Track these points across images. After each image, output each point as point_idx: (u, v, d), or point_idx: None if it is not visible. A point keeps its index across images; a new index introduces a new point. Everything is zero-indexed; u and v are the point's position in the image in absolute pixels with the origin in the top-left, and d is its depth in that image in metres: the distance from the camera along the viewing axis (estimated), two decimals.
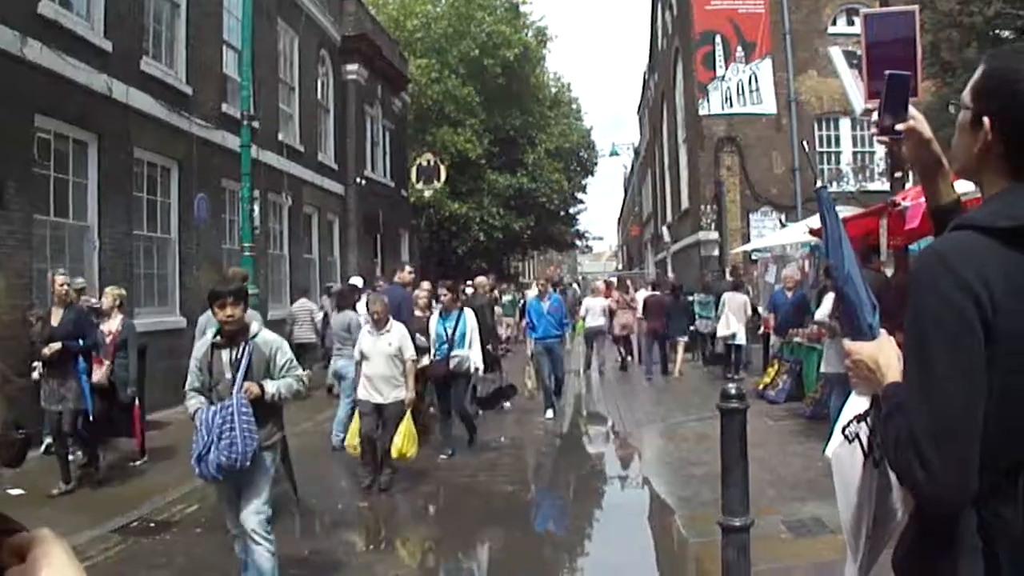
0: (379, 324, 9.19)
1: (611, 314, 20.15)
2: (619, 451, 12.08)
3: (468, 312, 11.06)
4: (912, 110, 2.08)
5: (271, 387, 5.64)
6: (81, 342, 8.88)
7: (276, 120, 20.13)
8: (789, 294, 14.45)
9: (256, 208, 14.40)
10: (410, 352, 9.23)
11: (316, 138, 23.32)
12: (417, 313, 11.90)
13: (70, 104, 12.09)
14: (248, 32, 14.24)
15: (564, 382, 14.53)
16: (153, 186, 14.63)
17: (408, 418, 9.06)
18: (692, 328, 19.49)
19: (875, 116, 2.11)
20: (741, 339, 17.09)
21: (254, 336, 5.76)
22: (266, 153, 18.46)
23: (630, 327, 20.60)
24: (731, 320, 16.93)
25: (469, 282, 18.76)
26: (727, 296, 17.31)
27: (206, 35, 16.57)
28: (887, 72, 2.06)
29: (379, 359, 9.06)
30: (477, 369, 11.00)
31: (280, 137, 20.04)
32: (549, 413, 13.54)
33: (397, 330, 9.22)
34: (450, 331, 10.70)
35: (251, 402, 5.52)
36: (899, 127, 2.07)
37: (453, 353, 10.59)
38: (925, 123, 2.09)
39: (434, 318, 11.08)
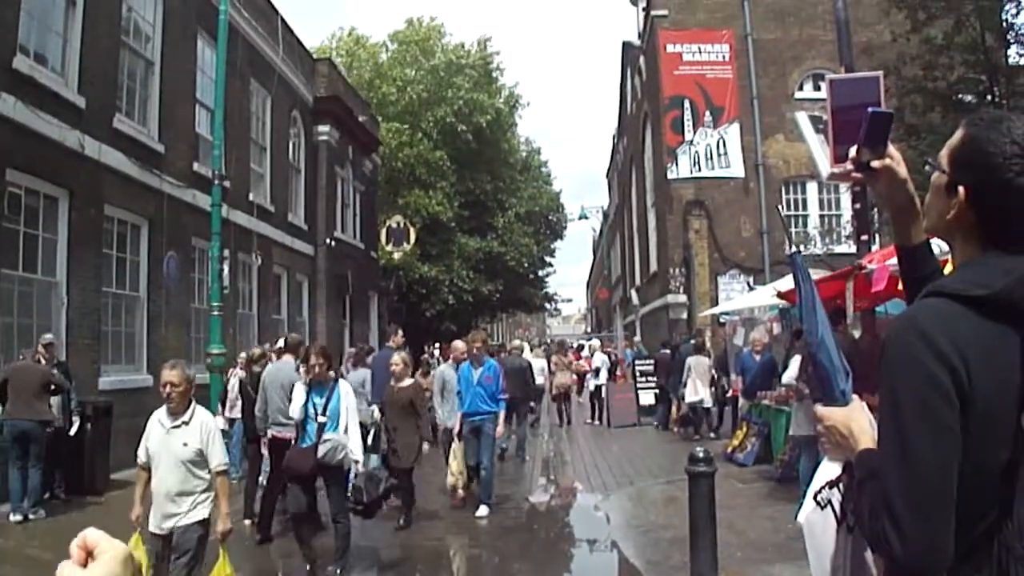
0: (175, 411, 6.04)
1: (551, 374, 21.24)
2: (587, 513, 11.91)
3: (344, 385, 8.53)
4: (891, 149, 2.06)
5: None
6: None
7: (247, 180, 20.13)
8: (757, 357, 14.55)
9: (226, 268, 14.38)
10: (218, 458, 6.11)
11: (287, 198, 23.33)
12: (392, 382, 10.51)
13: (42, 159, 12.07)
14: (221, 92, 14.34)
15: (492, 473, 11.45)
16: (123, 243, 14.55)
17: (224, 558, 6.23)
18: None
19: (852, 151, 2.08)
20: (709, 402, 17.31)
21: None
22: (236, 213, 18.44)
23: (566, 387, 21.67)
24: (698, 385, 17.07)
25: (437, 344, 18.81)
26: (692, 360, 17.42)
27: (179, 94, 16.62)
28: (870, 109, 2.03)
29: (170, 464, 5.95)
30: (356, 462, 8.40)
31: (251, 197, 20.01)
32: (482, 510, 10.90)
33: (200, 421, 6.08)
34: (320, 408, 8.11)
35: None
36: (875, 164, 2.05)
37: (324, 437, 7.96)
38: (902, 163, 2.07)
39: (299, 391, 8.45)
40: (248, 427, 10.84)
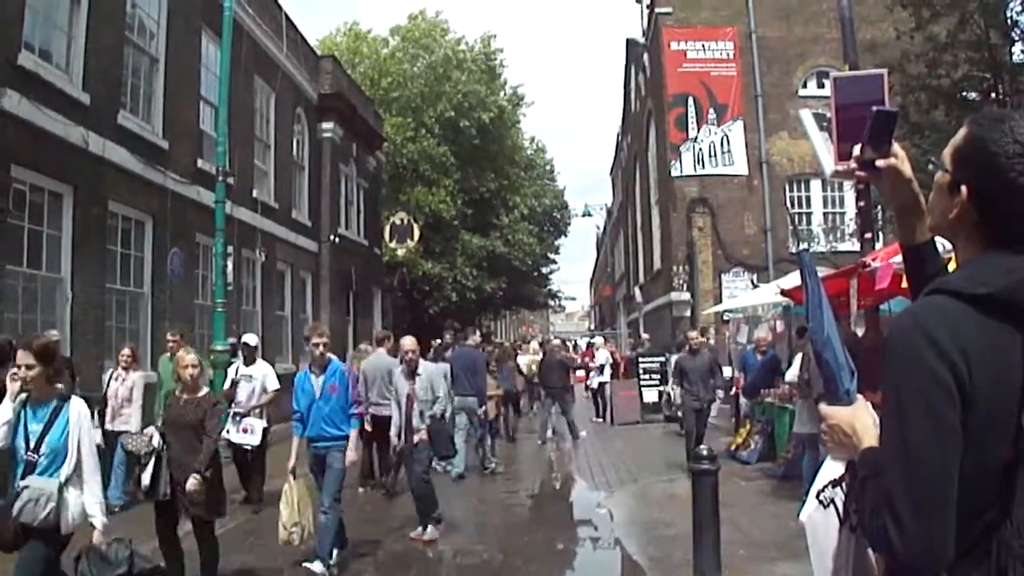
0: None
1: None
2: (590, 510, 11.80)
3: (76, 404, 5.46)
4: (895, 147, 2.05)
5: None
6: None
7: (251, 176, 20.13)
8: (760, 355, 14.52)
9: (229, 264, 14.38)
10: None
11: (290, 195, 23.32)
12: (178, 392, 7.36)
13: (46, 156, 12.06)
14: (225, 89, 14.34)
15: (333, 519, 8.05)
16: (127, 240, 14.56)
17: None
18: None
19: (856, 149, 2.07)
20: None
21: None
22: (240, 209, 18.45)
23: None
24: None
25: (437, 340, 18.83)
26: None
27: (183, 90, 16.62)
28: (874, 108, 2.02)
29: None
30: (92, 525, 5.45)
31: (255, 194, 20.02)
32: (316, 567, 7.74)
33: None
34: (34, 441, 5.25)
35: None
36: (880, 164, 2.04)
37: (23, 483, 5.15)
38: (906, 161, 2.07)
39: (5, 407, 5.37)
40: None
